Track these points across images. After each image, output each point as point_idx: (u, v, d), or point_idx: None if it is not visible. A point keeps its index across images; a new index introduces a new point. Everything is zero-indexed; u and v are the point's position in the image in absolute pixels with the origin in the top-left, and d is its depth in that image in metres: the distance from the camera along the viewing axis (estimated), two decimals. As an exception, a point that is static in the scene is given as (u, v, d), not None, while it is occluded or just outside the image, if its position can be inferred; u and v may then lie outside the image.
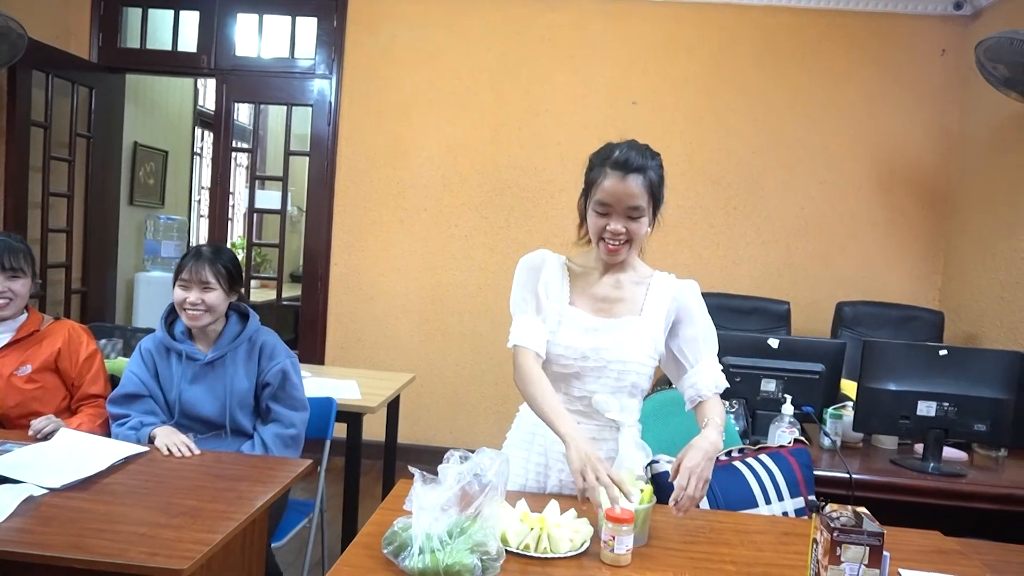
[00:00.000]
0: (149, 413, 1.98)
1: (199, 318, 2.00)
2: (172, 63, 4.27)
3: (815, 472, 2.07)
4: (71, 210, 4.02)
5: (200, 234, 6.26)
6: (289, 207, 4.31)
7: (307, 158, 4.25)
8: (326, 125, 4.14)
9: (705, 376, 1.64)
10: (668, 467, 1.78)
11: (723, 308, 3.55)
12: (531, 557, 1.31)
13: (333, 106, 4.13)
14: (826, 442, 2.27)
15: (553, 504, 1.48)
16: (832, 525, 1.17)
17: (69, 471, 1.55)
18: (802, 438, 2.00)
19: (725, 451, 1.91)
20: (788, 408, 2.13)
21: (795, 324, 3.66)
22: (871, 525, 1.18)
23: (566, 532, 1.37)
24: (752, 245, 3.97)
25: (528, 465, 1.69)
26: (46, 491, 1.48)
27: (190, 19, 4.19)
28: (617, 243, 1.55)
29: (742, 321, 3.52)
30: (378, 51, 4.10)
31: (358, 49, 4.11)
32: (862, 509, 1.25)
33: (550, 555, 1.32)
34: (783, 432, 2.10)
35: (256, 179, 4.30)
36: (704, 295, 3.51)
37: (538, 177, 4.04)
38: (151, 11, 4.23)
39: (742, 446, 1.94)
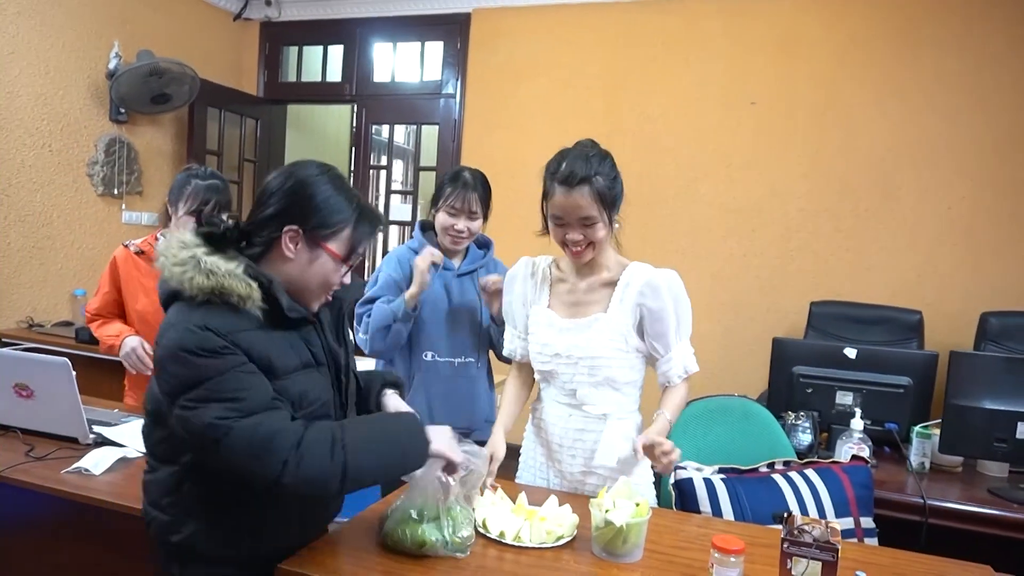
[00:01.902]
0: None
1: (460, 243, 2.10)
2: (321, 93, 4.79)
3: (889, 495, 1.91)
4: (239, 225, 4.64)
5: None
6: (419, 219, 4.65)
7: (434, 172, 4.56)
8: (451, 141, 4.41)
9: (675, 363, 1.67)
10: (694, 473, 1.76)
11: (843, 318, 3.31)
12: (506, 544, 1.37)
13: (457, 123, 4.39)
14: (913, 463, 2.06)
15: (552, 499, 1.53)
16: (784, 536, 1.12)
17: (162, 440, 1.85)
18: (863, 456, 1.85)
19: (767, 463, 1.84)
20: (858, 423, 1.98)
21: (932, 336, 3.29)
22: (830, 541, 1.11)
23: (550, 525, 1.42)
24: (885, 251, 3.63)
25: (537, 459, 1.76)
26: (142, 454, 1.78)
27: (336, 52, 4.67)
28: (579, 248, 1.62)
29: (865, 332, 3.24)
30: (496, 68, 4.30)
31: (479, 67, 4.35)
32: (835, 524, 1.17)
33: (524, 544, 1.37)
34: (850, 449, 1.95)
35: (391, 193, 4.69)
36: (824, 303, 3.35)
37: (650, 183, 4.00)
38: (305, 48, 4.78)
39: (788, 459, 1.84)
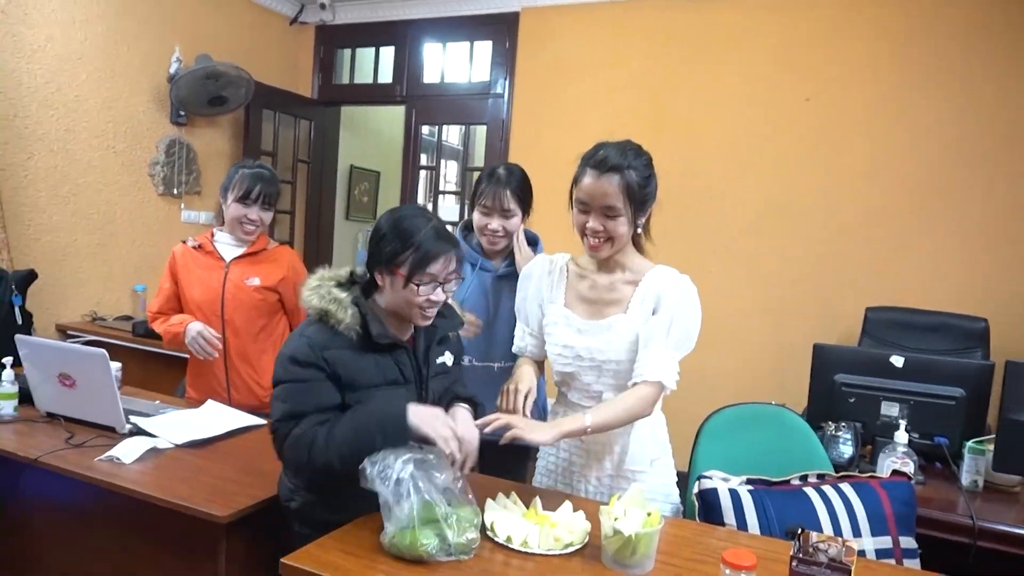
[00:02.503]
0: None
1: (497, 243, 2.02)
2: (372, 94, 4.87)
3: (936, 514, 1.80)
4: (293, 225, 4.77)
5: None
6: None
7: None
8: (499, 141, 4.41)
9: (649, 362, 1.57)
10: (719, 483, 1.69)
11: (901, 324, 3.14)
12: (512, 549, 1.35)
13: (505, 122, 4.38)
14: (964, 481, 1.93)
15: (566, 505, 1.50)
16: (793, 554, 1.06)
17: (194, 432, 1.91)
18: (905, 471, 1.74)
19: (799, 475, 1.75)
20: (902, 436, 1.86)
21: (999, 346, 3.08)
22: (843, 561, 1.04)
23: (559, 531, 1.39)
24: (949, 253, 3.42)
25: (559, 463, 1.73)
26: (172, 445, 1.84)
27: (387, 54, 4.74)
28: (598, 240, 1.57)
29: (925, 340, 3.07)
30: (544, 68, 4.27)
31: (527, 67, 4.33)
32: (852, 544, 1.10)
33: (531, 550, 1.35)
34: (893, 463, 1.84)
35: (438, 194, 4.72)
36: (881, 309, 3.19)
37: (697, 183, 3.89)
38: (358, 50, 4.87)
39: (822, 471, 1.75)
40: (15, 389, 1.98)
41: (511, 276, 2.03)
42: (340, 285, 1.48)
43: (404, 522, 1.29)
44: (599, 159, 1.53)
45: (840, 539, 1.10)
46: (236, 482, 1.64)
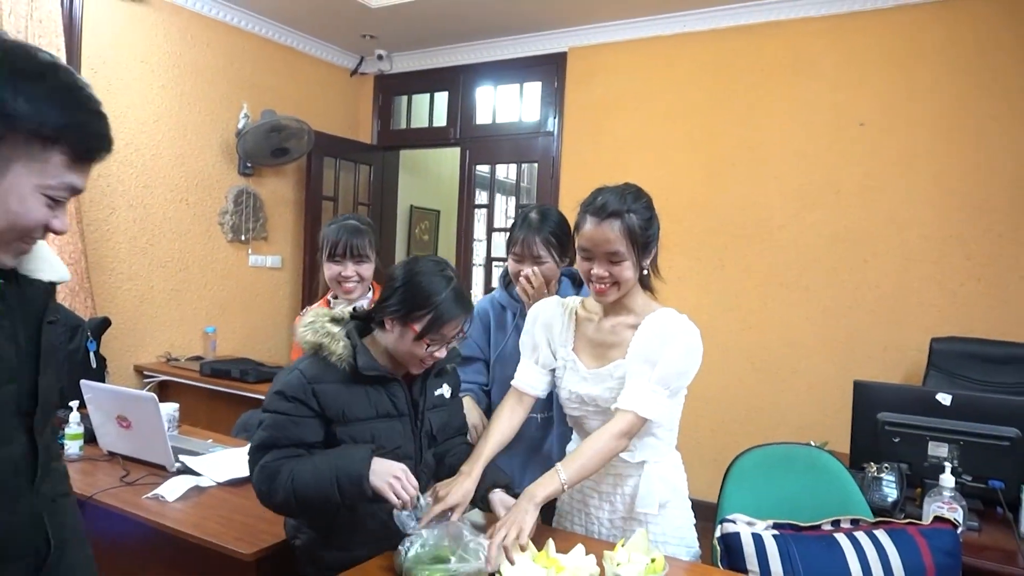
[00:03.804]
0: (478, 375, 2.05)
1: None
2: (428, 138, 5.04)
3: (990, 564, 1.68)
4: (354, 265, 4.96)
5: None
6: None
7: (534, 209, 4.62)
8: (549, 179, 4.47)
9: (627, 394, 1.54)
10: (743, 527, 1.64)
11: (970, 356, 2.96)
12: (518, 593, 1.35)
13: (555, 160, 4.45)
14: (1022, 528, 1.79)
15: (578, 548, 1.49)
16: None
17: (236, 470, 2.01)
18: (950, 517, 1.63)
19: (831, 520, 1.67)
20: (948, 479, 1.75)
21: (1083, 379, 2.85)
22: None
23: (567, 575, 1.38)
24: (1025, 280, 3.22)
25: (574, 505, 1.72)
26: (214, 483, 1.95)
27: (441, 99, 4.91)
28: (603, 285, 1.56)
29: (996, 373, 2.88)
30: (593, 104, 4.32)
31: (576, 104, 4.38)
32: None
33: (536, 594, 1.35)
34: (939, 508, 1.74)
35: (493, 231, 4.81)
36: (948, 340, 3.03)
37: (755, 214, 3.82)
38: (414, 96, 5.07)
39: (856, 517, 1.67)
40: (81, 430, 2.15)
41: None
42: (335, 320, 1.51)
43: (417, 556, 1.33)
44: (598, 205, 1.53)
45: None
46: (267, 520, 1.71)
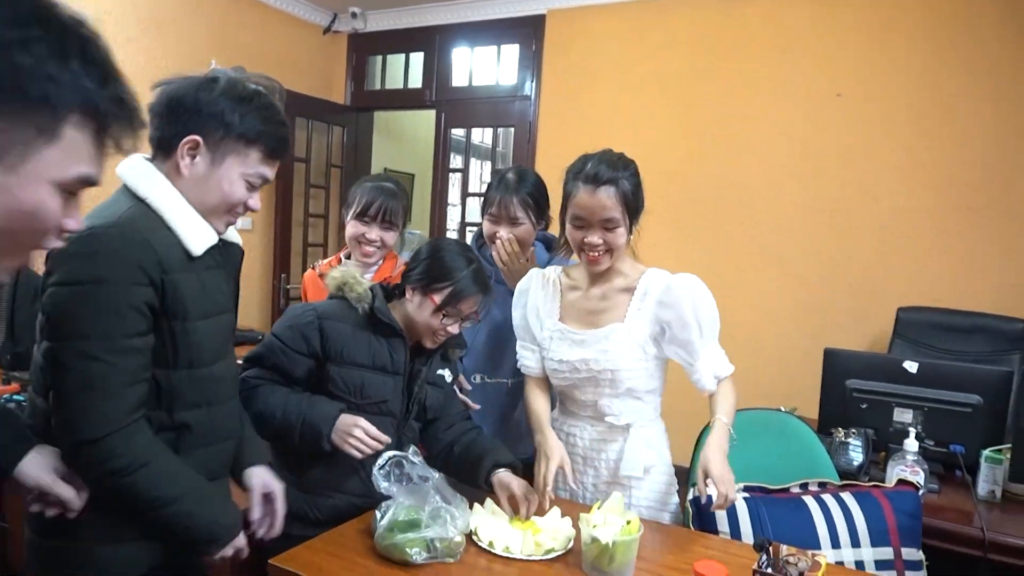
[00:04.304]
0: None
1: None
2: (403, 99, 4.95)
3: (947, 525, 1.74)
4: (327, 228, 4.89)
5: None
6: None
7: (510, 175, 4.58)
8: (526, 143, 4.43)
9: (705, 372, 1.61)
10: (713, 490, 1.67)
11: (935, 326, 3.04)
12: (495, 554, 1.37)
13: (532, 125, 4.40)
14: (980, 491, 1.87)
15: (554, 511, 1.52)
16: (755, 568, 1.05)
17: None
18: (912, 480, 1.69)
19: (800, 483, 1.72)
20: (912, 443, 1.81)
21: (1041, 348, 2.95)
22: (808, 575, 1.03)
23: (542, 537, 1.41)
24: (993, 253, 3.28)
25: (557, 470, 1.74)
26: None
27: (417, 60, 4.81)
28: (597, 253, 1.57)
29: (960, 342, 2.96)
30: (571, 70, 4.26)
31: (554, 69, 4.33)
32: (822, 559, 1.08)
33: (511, 555, 1.37)
34: (902, 471, 1.79)
35: (467, 195, 4.77)
36: (914, 310, 3.09)
37: (732, 184, 3.83)
38: (389, 56, 4.95)
39: (823, 480, 1.72)
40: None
41: None
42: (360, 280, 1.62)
43: (391, 522, 1.33)
44: (591, 173, 1.52)
45: (809, 553, 1.09)
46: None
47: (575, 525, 1.44)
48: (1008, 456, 1.83)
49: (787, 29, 3.68)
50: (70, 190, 0.70)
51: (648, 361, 1.63)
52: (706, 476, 1.46)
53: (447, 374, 1.69)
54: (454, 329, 1.56)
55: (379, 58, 4.98)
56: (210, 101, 1.20)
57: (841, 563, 1.54)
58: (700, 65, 3.90)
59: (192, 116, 1.19)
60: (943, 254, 3.40)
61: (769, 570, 1.06)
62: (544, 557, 1.37)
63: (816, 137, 3.65)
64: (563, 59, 4.29)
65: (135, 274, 1.11)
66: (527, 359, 1.75)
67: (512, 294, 1.96)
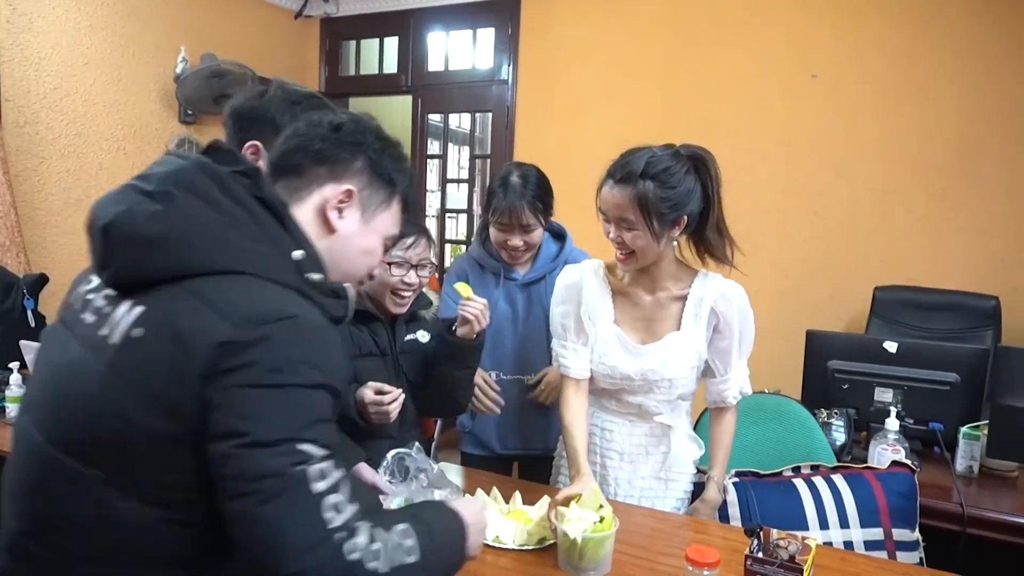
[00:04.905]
0: None
1: (519, 257, 1.92)
2: (378, 85, 4.88)
3: (928, 501, 1.77)
4: (304, 217, 4.83)
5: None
6: (476, 207, 4.67)
7: (489, 160, 4.56)
8: (504, 128, 4.40)
9: (732, 384, 1.63)
10: (703, 477, 1.69)
11: (910, 304, 3.09)
12: (486, 544, 1.37)
13: (510, 110, 4.37)
14: (958, 466, 1.91)
15: (544, 499, 1.51)
16: (747, 553, 1.06)
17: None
18: (906, 460, 1.71)
19: (792, 466, 1.74)
20: (893, 423, 1.84)
21: (1013, 325, 3.01)
22: (795, 560, 1.04)
23: (534, 527, 1.41)
24: (964, 232, 3.34)
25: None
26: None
27: (391, 44, 4.73)
28: (623, 253, 1.51)
29: (934, 320, 3.01)
30: (548, 54, 4.23)
31: (531, 53, 4.29)
32: (812, 542, 1.10)
33: (502, 545, 1.37)
34: (884, 450, 1.82)
35: (447, 182, 4.73)
36: (889, 288, 3.13)
37: (708, 165, 3.84)
38: (363, 41, 4.88)
39: (816, 463, 1.74)
40: (22, 392, 2.05)
41: (538, 281, 1.95)
42: None
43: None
44: (614, 169, 1.47)
45: (799, 536, 1.10)
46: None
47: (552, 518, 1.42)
48: (985, 432, 1.87)
49: (763, 10, 3.69)
50: (386, 245, 1.07)
51: (698, 366, 1.62)
52: None
53: (422, 336, 1.70)
54: (412, 279, 1.58)
55: (353, 43, 4.90)
56: (263, 107, 1.29)
57: (830, 543, 1.56)
58: (677, 47, 3.89)
59: (251, 123, 1.29)
60: (917, 234, 3.44)
61: (760, 554, 1.07)
62: (536, 547, 1.37)
63: (791, 119, 3.67)
64: (539, 42, 4.26)
65: None
66: (572, 360, 1.61)
67: (527, 287, 1.95)
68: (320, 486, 0.80)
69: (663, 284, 1.60)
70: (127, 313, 0.85)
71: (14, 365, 2.08)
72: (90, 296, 0.92)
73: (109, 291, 0.90)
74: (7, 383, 2.04)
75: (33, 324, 2.71)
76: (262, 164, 1.19)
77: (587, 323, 1.61)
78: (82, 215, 3.32)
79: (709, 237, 1.55)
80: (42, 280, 2.85)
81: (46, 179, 3.46)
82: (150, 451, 0.81)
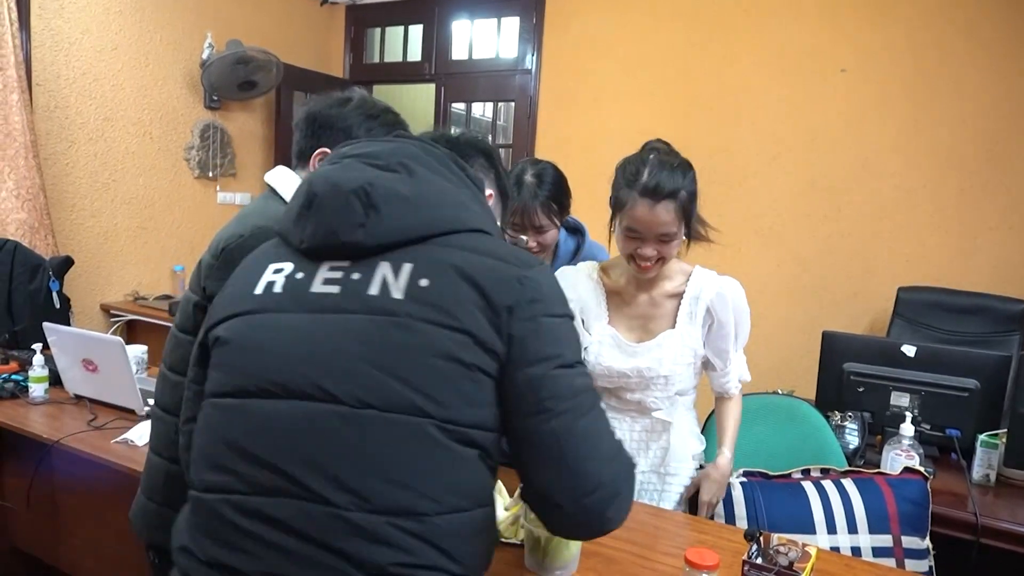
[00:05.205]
0: None
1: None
2: (402, 73, 4.88)
3: (941, 509, 1.74)
4: (326, 204, 4.86)
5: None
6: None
7: (511, 150, 4.54)
8: (526, 119, 4.38)
9: (732, 376, 1.65)
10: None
11: (935, 305, 3.03)
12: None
13: (532, 100, 4.34)
14: (974, 475, 1.87)
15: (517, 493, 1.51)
16: (745, 559, 1.05)
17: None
18: (920, 467, 1.68)
19: (802, 468, 1.72)
20: (908, 428, 1.80)
21: (1041, 329, 2.94)
22: (793, 566, 1.03)
23: (506, 528, 1.40)
24: (994, 231, 3.26)
25: None
26: (185, 428, 1.94)
27: (416, 32, 4.73)
28: (649, 263, 1.50)
29: (960, 322, 2.95)
30: (572, 43, 4.20)
31: (554, 43, 4.26)
32: (812, 549, 1.08)
33: (503, 539, 1.37)
34: (897, 455, 1.79)
35: (468, 172, 4.72)
36: (914, 289, 3.08)
37: (731, 159, 3.79)
38: (388, 29, 4.88)
39: (827, 467, 1.71)
40: (45, 372, 2.11)
41: None
42: None
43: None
44: (651, 186, 1.42)
45: (800, 543, 1.09)
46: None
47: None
48: (1004, 441, 1.83)
49: (791, 4, 3.61)
50: None
51: (695, 362, 1.62)
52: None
53: None
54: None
55: (377, 30, 4.91)
56: (341, 116, 1.29)
57: (836, 548, 1.54)
58: (700, 38, 3.84)
59: (325, 130, 1.30)
60: (943, 233, 3.37)
61: (759, 560, 1.06)
62: (507, 540, 1.37)
63: (816, 112, 3.60)
64: (563, 33, 4.23)
65: None
66: None
67: None
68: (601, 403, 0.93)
69: (661, 282, 1.61)
70: (394, 270, 0.90)
71: (37, 346, 2.13)
72: (298, 276, 0.94)
73: (336, 263, 0.93)
74: (30, 363, 2.09)
75: (58, 306, 2.77)
76: None
77: (580, 328, 1.61)
78: (109, 198, 3.40)
79: (696, 222, 1.54)
80: (67, 263, 2.91)
81: (74, 162, 3.53)
82: (466, 387, 0.86)
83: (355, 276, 0.90)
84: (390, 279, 0.89)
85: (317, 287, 0.92)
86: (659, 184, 1.43)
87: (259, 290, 0.95)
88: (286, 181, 1.32)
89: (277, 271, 0.96)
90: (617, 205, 1.52)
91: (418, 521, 0.83)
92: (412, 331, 0.86)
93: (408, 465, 0.84)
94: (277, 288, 0.94)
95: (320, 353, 0.88)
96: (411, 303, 0.87)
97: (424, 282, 0.88)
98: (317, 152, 1.31)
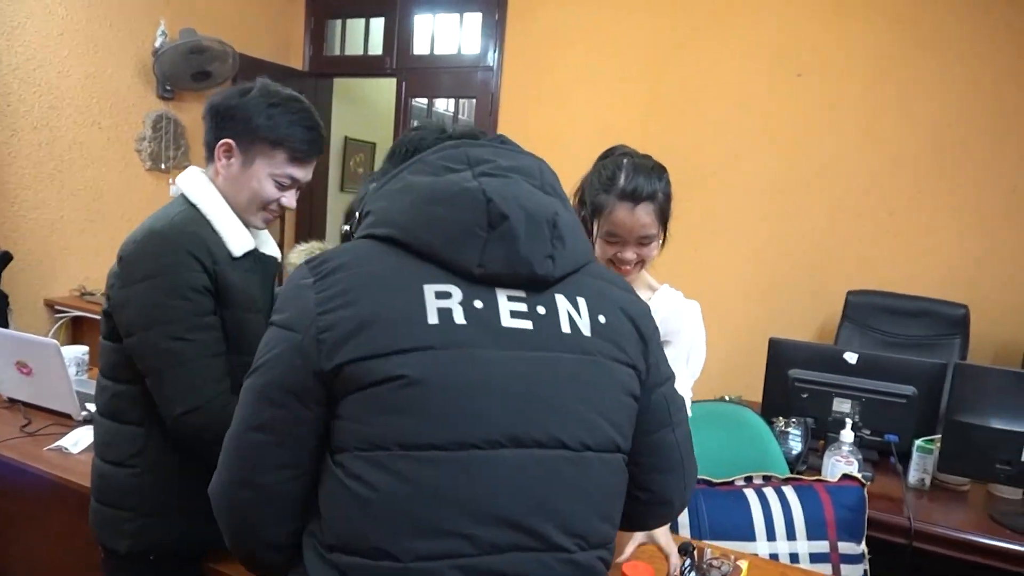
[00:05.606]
0: None
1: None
2: (363, 66, 4.82)
3: (877, 513, 1.79)
4: (284, 197, 4.78)
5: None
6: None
7: (472, 147, 4.51)
8: (488, 115, 4.35)
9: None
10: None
11: (882, 309, 3.10)
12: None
13: (494, 96, 4.32)
14: (911, 479, 1.92)
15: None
16: (676, 573, 1.06)
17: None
18: (856, 475, 1.72)
19: (744, 476, 1.75)
20: (848, 434, 1.85)
21: (983, 332, 3.03)
22: (726, 582, 1.04)
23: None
24: (941, 236, 3.34)
25: None
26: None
27: (377, 25, 4.67)
28: (629, 267, 1.51)
29: (905, 326, 3.03)
30: (534, 40, 4.19)
31: (517, 39, 4.24)
32: (744, 562, 1.10)
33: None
34: (837, 461, 1.83)
35: (429, 168, 4.68)
36: (862, 293, 3.14)
37: (691, 159, 3.82)
38: (348, 21, 4.80)
39: (768, 473, 1.74)
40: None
41: None
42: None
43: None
44: (628, 189, 1.42)
45: (732, 556, 1.10)
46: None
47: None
48: (938, 446, 1.88)
49: (754, 8, 3.65)
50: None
51: None
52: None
53: None
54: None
55: (339, 22, 4.83)
56: (242, 106, 1.31)
57: (775, 555, 1.57)
58: (663, 37, 3.86)
59: (227, 121, 1.31)
60: (894, 236, 3.45)
61: (692, 574, 1.07)
62: None
63: (777, 116, 3.65)
64: (526, 28, 4.21)
65: (191, 262, 1.23)
66: None
67: None
68: None
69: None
70: (573, 304, 0.89)
71: (-31, 347, 2.04)
72: (477, 304, 0.84)
73: (513, 292, 0.87)
74: (-37, 364, 2.01)
75: (-5, 302, 2.67)
76: (234, 162, 1.32)
77: None
78: (55, 189, 3.27)
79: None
80: (6, 258, 2.81)
81: (17, 152, 3.40)
82: (633, 418, 0.92)
83: (540, 310, 0.86)
84: (575, 315, 0.88)
85: (507, 321, 0.84)
86: (637, 187, 1.43)
87: (433, 319, 0.82)
88: (192, 183, 1.34)
89: (442, 295, 0.83)
90: (595, 211, 1.50)
91: (608, 551, 0.90)
92: (604, 369, 0.89)
93: (614, 501, 0.91)
94: (459, 319, 0.83)
95: (541, 396, 0.84)
96: (598, 340, 0.89)
97: (602, 319, 0.90)
98: (221, 143, 1.32)
